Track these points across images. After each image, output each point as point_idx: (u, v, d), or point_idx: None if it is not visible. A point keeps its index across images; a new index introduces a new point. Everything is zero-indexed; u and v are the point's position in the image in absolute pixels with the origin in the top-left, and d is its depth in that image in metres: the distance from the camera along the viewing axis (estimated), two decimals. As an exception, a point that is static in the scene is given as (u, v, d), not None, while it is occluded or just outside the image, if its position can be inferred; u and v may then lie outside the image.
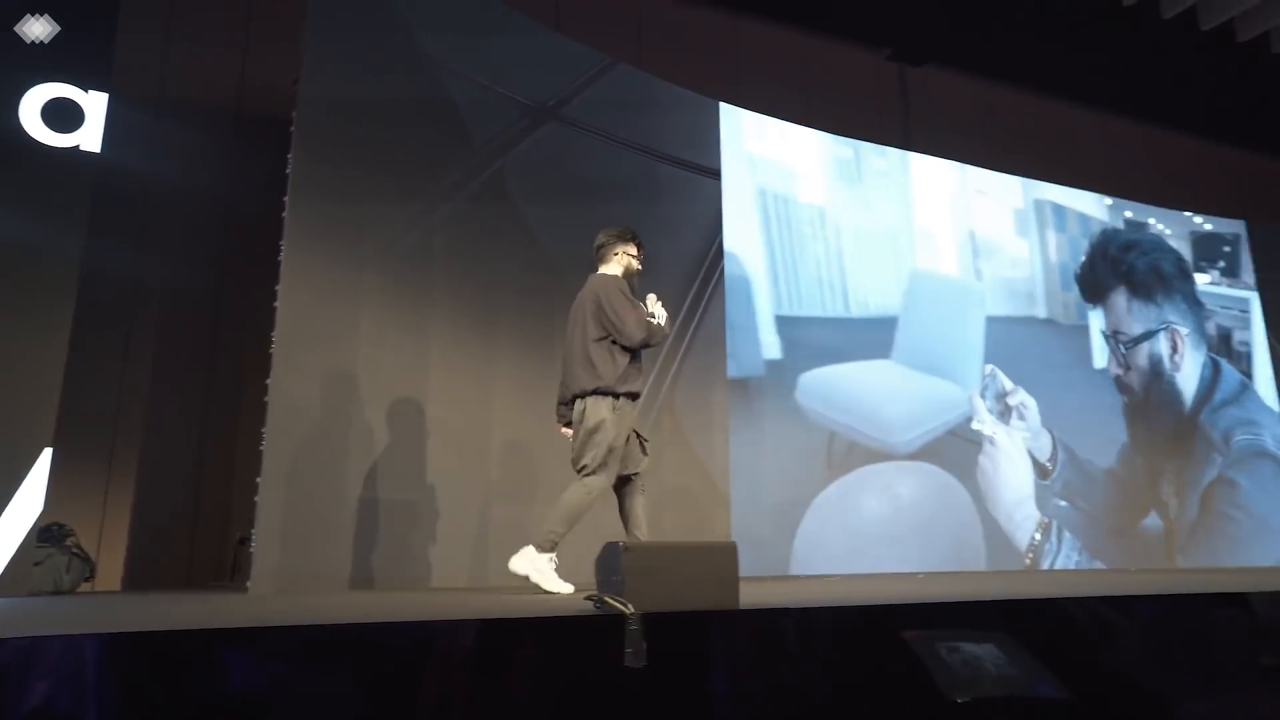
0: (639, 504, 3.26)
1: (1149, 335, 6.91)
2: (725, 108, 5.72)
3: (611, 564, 1.77)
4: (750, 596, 2.63)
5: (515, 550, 3.12)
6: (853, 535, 5.40)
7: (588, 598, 1.80)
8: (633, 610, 1.67)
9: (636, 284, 3.46)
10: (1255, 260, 7.71)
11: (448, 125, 4.54)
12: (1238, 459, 6.85)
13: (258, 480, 3.56)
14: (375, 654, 1.58)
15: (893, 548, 5.47)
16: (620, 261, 3.46)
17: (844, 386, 5.62)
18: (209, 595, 3.52)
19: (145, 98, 4.71)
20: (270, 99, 4.64)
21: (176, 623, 1.64)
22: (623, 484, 3.25)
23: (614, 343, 3.23)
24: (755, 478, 5.17)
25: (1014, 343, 6.32)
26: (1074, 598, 2.50)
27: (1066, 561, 6.04)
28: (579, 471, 3.16)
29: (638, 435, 3.30)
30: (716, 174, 5.52)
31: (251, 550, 3.51)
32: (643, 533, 3.24)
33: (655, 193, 5.24)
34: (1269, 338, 7.56)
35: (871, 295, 5.94)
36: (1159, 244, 7.23)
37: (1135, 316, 6.92)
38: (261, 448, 3.58)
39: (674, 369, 5.02)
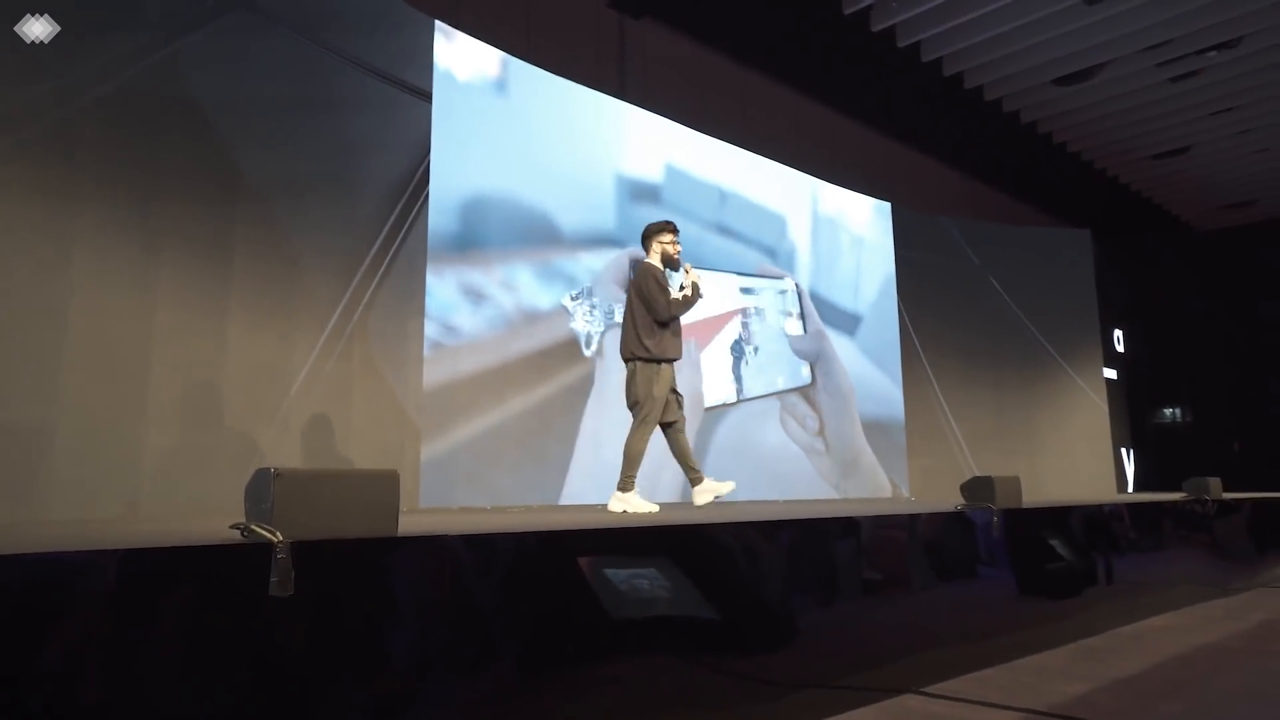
0: (683, 441, 4.17)
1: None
2: (443, 28, 5.43)
3: (261, 491, 1.64)
4: (420, 524, 2.61)
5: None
6: (582, 472, 5.55)
7: (233, 526, 1.65)
8: (281, 538, 1.56)
9: (679, 260, 4.26)
10: (895, 239, 8.96)
11: (106, -9, 3.85)
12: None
13: None
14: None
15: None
16: (657, 250, 4.25)
17: (544, 324, 5.69)
18: None
19: None
20: None
21: None
22: (666, 429, 4.15)
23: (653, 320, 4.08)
24: (447, 411, 5.10)
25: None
26: (722, 523, 2.75)
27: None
28: (638, 419, 4.04)
29: (674, 391, 4.15)
30: (427, 96, 5.25)
31: None
32: (692, 462, 4.16)
33: (357, 106, 4.89)
34: (900, 308, 8.86)
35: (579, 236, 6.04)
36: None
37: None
38: None
39: (367, 296, 4.76)
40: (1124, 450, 10.67)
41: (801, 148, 8.22)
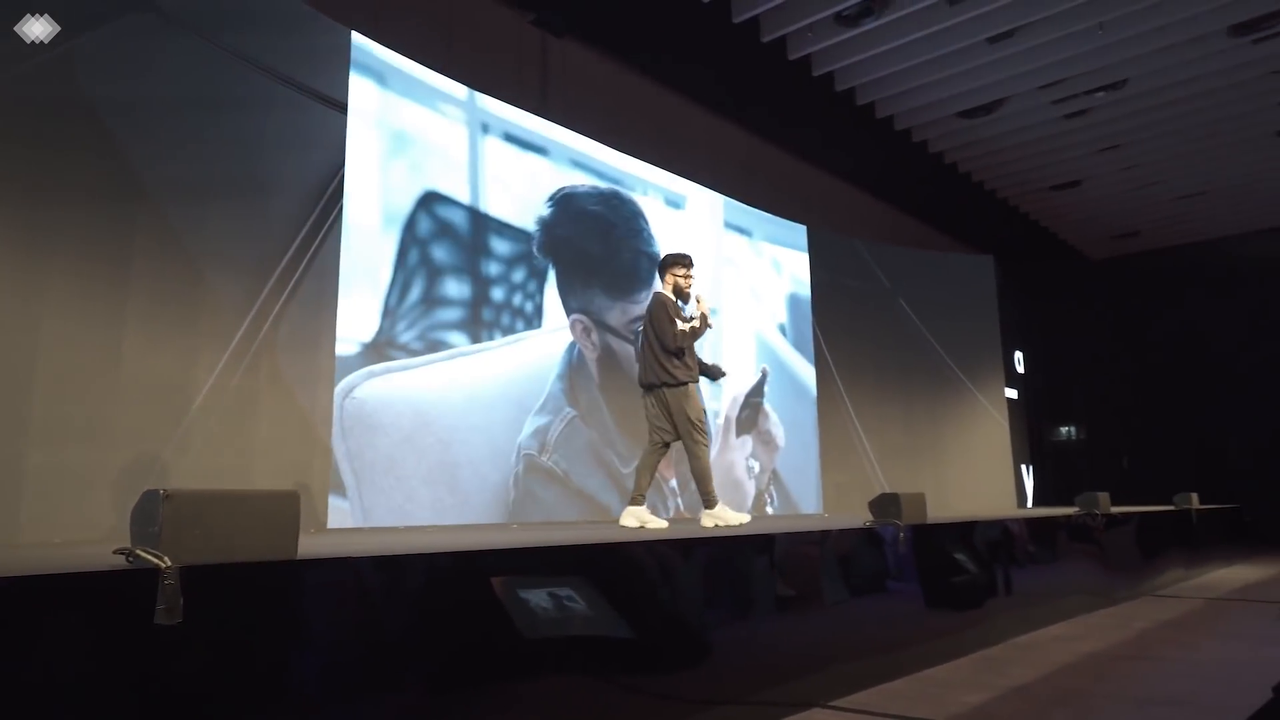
0: (654, 463, 4.42)
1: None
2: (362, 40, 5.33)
3: (149, 514, 1.56)
4: (324, 546, 2.52)
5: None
6: (488, 489, 5.44)
7: (118, 551, 1.56)
8: (168, 563, 1.49)
9: (689, 292, 4.52)
10: (811, 260, 9.19)
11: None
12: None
13: None
14: None
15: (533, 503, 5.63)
16: (670, 281, 4.53)
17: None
18: None
19: None
20: None
21: None
22: (662, 445, 4.43)
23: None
24: (367, 429, 4.96)
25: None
26: (637, 542, 2.75)
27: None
28: (689, 442, 4.35)
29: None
30: (341, 106, 5.14)
31: None
32: (644, 483, 4.38)
33: (266, 115, 4.75)
34: (814, 327, 9.08)
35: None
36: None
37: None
38: None
39: (277, 309, 4.61)
40: (1024, 466, 11.14)
41: (720, 170, 8.37)
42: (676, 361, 4.34)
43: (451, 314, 5.60)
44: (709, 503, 4.34)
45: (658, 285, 4.62)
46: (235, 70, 4.61)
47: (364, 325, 5.08)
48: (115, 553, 1.59)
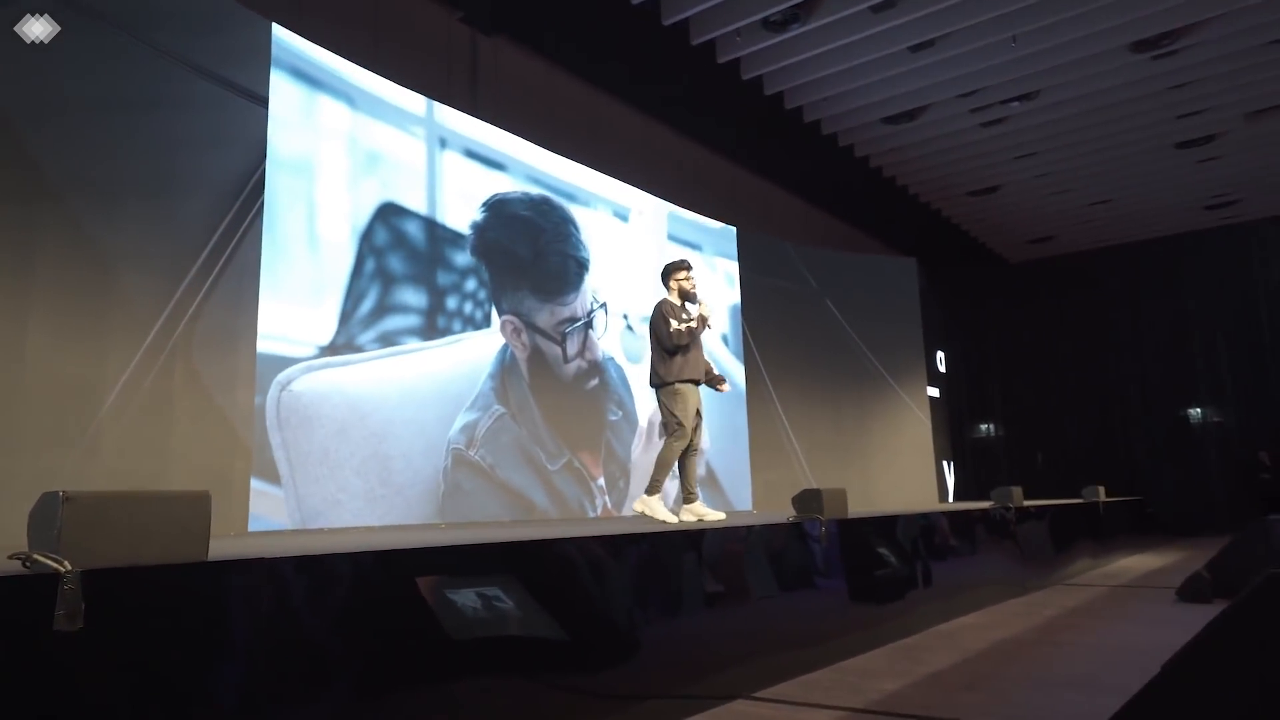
0: (692, 464, 4.56)
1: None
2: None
3: (48, 517, 1.51)
4: (238, 548, 2.46)
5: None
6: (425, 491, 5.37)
7: (14, 556, 1.50)
8: (69, 567, 1.44)
9: (695, 293, 4.67)
10: (740, 262, 9.32)
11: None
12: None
13: None
14: None
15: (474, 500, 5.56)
16: (674, 287, 4.69)
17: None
18: None
19: None
20: None
21: None
22: (685, 451, 4.51)
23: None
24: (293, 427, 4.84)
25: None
26: (567, 539, 2.76)
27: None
28: (668, 435, 4.49)
29: (698, 413, 4.53)
30: (262, 101, 5.00)
31: None
32: (691, 484, 4.56)
33: (187, 109, 4.60)
34: (744, 328, 9.21)
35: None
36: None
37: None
38: None
39: (193, 307, 4.46)
40: (945, 462, 11.50)
41: (652, 171, 8.42)
42: (670, 362, 4.47)
43: (399, 315, 5.51)
44: (650, 489, 4.44)
45: (662, 293, 4.73)
46: (150, 65, 4.45)
47: (289, 324, 4.96)
48: (11, 558, 1.53)
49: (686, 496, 4.56)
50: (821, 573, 3.96)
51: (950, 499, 11.41)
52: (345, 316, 5.31)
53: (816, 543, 3.91)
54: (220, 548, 1.99)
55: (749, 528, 3.60)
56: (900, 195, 11.36)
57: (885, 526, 4.56)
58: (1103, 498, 8.34)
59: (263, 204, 4.90)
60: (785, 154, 9.79)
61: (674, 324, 4.48)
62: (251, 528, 4.58)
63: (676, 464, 4.50)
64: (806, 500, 3.99)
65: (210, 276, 4.58)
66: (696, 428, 4.52)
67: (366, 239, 5.55)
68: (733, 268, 9.25)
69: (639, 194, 8.04)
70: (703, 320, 4.50)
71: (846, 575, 4.08)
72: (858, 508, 4.36)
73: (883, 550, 4.49)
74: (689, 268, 4.73)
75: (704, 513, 4.46)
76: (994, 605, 5.24)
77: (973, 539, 5.56)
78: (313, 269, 5.19)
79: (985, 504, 6.26)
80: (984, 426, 14.55)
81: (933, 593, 4.76)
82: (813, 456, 9.60)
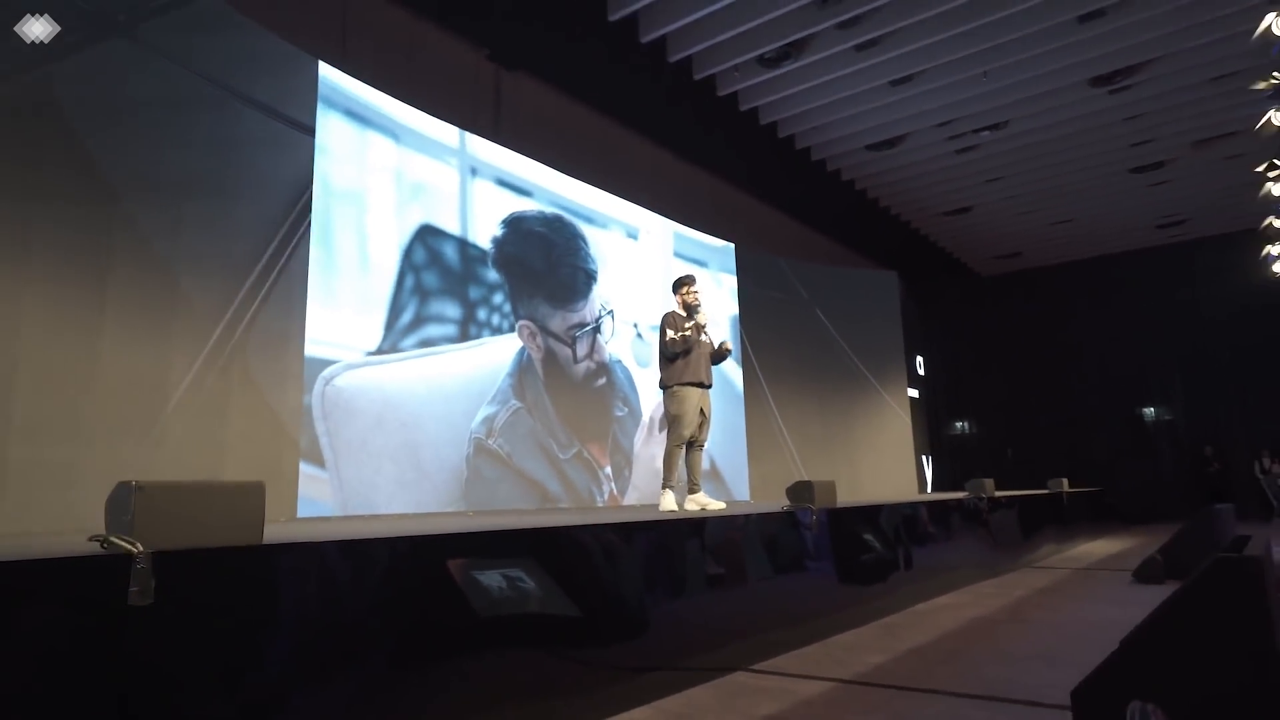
0: (696, 458, 4.60)
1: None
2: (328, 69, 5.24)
3: (122, 504, 1.52)
4: (289, 532, 2.48)
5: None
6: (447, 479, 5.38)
7: (92, 538, 1.52)
8: (140, 549, 1.45)
9: (698, 305, 4.64)
10: (738, 275, 9.31)
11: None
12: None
13: None
14: None
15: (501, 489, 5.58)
16: (679, 300, 4.70)
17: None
18: None
19: None
20: None
21: None
22: (688, 445, 4.54)
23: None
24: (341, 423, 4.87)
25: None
26: (583, 525, 2.76)
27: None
28: (669, 435, 4.52)
29: (702, 412, 4.52)
30: (309, 130, 5.03)
31: None
32: (695, 477, 4.58)
33: (239, 138, 4.62)
34: (742, 336, 9.20)
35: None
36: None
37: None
38: None
39: (250, 313, 4.49)
40: (924, 456, 11.46)
41: (659, 193, 8.42)
42: (671, 367, 4.53)
43: (435, 324, 5.54)
44: (663, 485, 4.51)
45: (672, 303, 4.78)
46: (205, 90, 4.48)
47: (331, 328, 4.99)
48: (90, 540, 1.55)
49: (691, 488, 4.59)
50: (812, 557, 3.95)
51: (929, 490, 11.38)
52: (388, 325, 5.34)
53: (808, 530, 3.90)
54: (272, 532, 2.00)
55: (747, 516, 3.59)
56: (882, 215, 11.34)
57: (870, 515, 4.54)
58: (1066, 489, 8.29)
59: (310, 221, 4.92)
60: (779, 177, 9.78)
61: (670, 333, 4.51)
62: (301, 511, 4.61)
63: (683, 458, 4.51)
64: (799, 491, 3.98)
65: (266, 283, 4.61)
66: (701, 425, 4.54)
67: (408, 257, 5.58)
68: (733, 281, 9.25)
69: (647, 214, 8.04)
70: (697, 328, 4.54)
71: (835, 559, 4.06)
72: (845, 498, 4.34)
73: (868, 536, 4.48)
74: (693, 282, 4.75)
75: (706, 502, 4.47)
76: (968, 586, 5.21)
77: (949, 526, 5.54)
78: (361, 283, 5.21)
79: (960, 494, 6.23)
80: (959, 424, 14.51)
81: (913, 575, 4.75)
82: (804, 451, 9.58)
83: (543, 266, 6.73)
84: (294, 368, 4.75)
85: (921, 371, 12.17)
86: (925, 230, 12.23)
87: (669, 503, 4.41)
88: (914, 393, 11.20)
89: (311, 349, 4.86)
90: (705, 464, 7.76)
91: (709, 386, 4.59)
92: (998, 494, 6.27)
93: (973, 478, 6.32)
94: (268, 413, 4.59)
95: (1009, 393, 13.97)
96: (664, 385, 4.56)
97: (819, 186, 10.11)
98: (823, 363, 10.17)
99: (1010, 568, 6.11)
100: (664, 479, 4.51)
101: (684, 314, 4.65)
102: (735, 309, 9.19)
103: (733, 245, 9.35)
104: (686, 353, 4.50)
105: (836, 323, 10.35)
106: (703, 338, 4.56)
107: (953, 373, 14.16)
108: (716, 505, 4.46)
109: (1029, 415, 13.71)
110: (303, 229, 4.88)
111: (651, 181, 8.42)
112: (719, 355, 4.67)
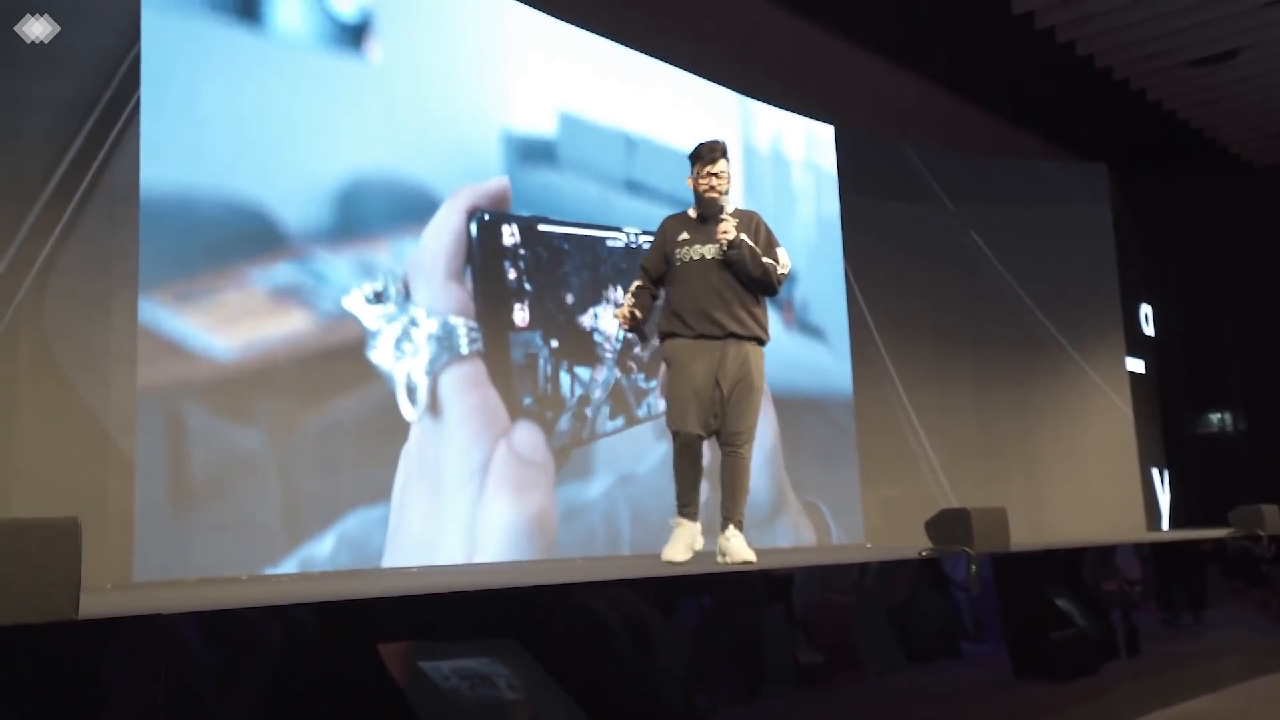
0: (733, 468, 4.48)
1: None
2: None
3: None
4: (126, 603, 2.52)
5: None
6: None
7: None
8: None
9: (717, 198, 4.52)
10: (840, 176, 9.23)
11: None
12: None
13: None
14: None
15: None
16: (690, 184, 4.64)
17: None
18: None
19: None
20: None
21: None
22: (695, 444, 4.57)
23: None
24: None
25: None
26: (592, 583, 2.78)
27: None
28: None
29: (718, 384, 4.49)
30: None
31: None
32: (732, 504, 4.47)
33: None
34: (847, 272, 9.15)
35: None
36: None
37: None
38: None
39: (42, 258, 4.55)
40: (1155, 471, 11.38)
41: (715, 50, 8.36)
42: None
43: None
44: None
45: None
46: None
47: (184, 284, 5.05)
48: None
49: (724, 520, 4.45)
50: (971, 635, 3.96)
51: (1164, 524, 11.30)
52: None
53: (963, 589, 3.90)
54: (94, 603, 2.04)
55: (862, 566, 3.60)
56: (1083, 69, 11.14)
57: (1068, 564, 4.54)
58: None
59: (138, 102, 4.96)
60: (901, 11, 9.63)
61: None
62: (138, 572, 4.70)
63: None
64: (947, 525, 3.99)
65: (64, 215, 4.66)
66: (721, 407, 4.64)
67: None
68: (831, 181, 9.15)
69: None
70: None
71: (1010, 638, 4.07)
72: (1023, 538, 4.34)
73: (1065, 602, 4.47)
74: (716, 155, 4.65)
75: (734, 550, 4.30)
76: (1237, 684, 5.19)
77: (1202, 584, 5.52)
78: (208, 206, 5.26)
79: (1220, 532, 6.19)
80: (1215, 415, 14.34)
81: (1142, 665, 4.74)
82: (951, 462, 9.56)
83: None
84: (123, 343, 4.81)
85: (1150, 330, 12.05)
86: (1156, 93, 12.02)
87: (674, 543, 4.36)
88: (1138, 366, 11.11)
89: (150, 312, 4.92)
90: (764, 480, 7.65)
91: (729, 335, 4.34)
92: (1285, 530, 6.23)
93: (1242, 504, 6.27)
94: (81, 414, 4.67)
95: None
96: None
97: (971, 23, 9.93)
98: (981, 319, 10.12)
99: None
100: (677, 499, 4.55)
101: (691, 219, 4.61)
102: (835, 224, 9.12)
103: (831, 127, 9.25)
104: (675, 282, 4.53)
105: (1003, 253, 10.28)
106: (705, 253, 4.42)
107: (1204, 332, 13.98)
108: (745, 556, 4.18)
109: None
110: (129, 109, 4.93)
111: (704, 33, 8.39)
112: (743, 268, 4.36)
